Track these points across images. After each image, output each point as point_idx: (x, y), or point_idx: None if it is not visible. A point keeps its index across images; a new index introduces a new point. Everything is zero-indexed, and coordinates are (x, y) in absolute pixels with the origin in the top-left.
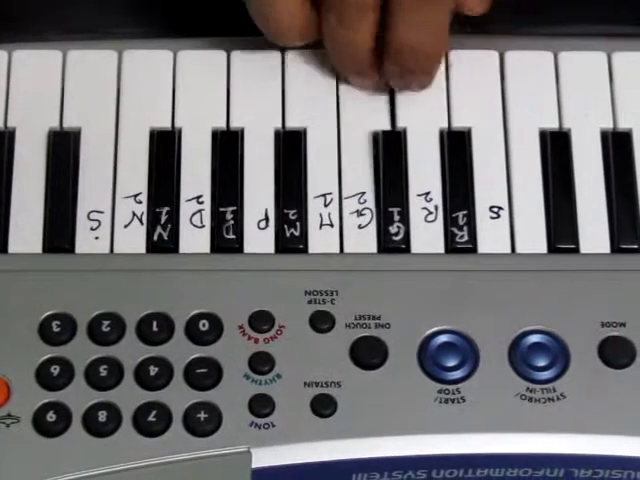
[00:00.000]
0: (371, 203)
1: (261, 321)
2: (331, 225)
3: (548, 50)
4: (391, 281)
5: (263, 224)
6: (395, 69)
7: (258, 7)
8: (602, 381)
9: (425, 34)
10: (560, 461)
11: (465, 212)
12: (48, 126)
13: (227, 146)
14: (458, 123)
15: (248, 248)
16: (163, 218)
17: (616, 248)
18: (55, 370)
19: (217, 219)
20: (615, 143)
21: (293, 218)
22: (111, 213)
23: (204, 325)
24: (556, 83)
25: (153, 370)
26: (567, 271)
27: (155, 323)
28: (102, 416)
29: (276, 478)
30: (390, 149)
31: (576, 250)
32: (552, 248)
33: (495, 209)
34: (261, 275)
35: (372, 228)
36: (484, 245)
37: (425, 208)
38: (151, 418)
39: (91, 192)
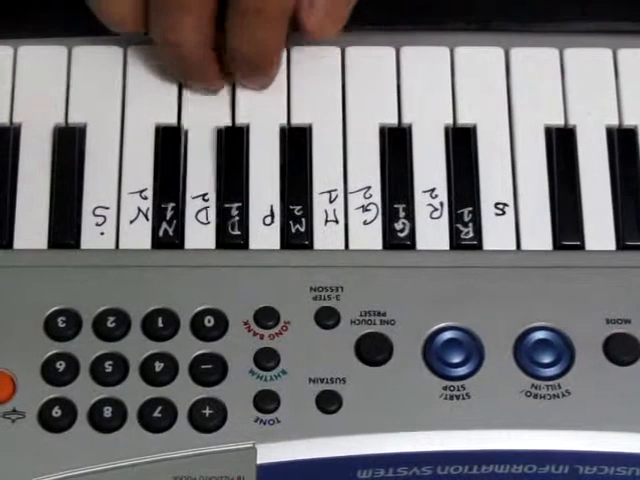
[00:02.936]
0: (377, 198)
1: (266, 317)
2: (336, 221)
3: (553, 47)
4: (396, 277)
5: (268, 220)
6: (233, 68)
7: None
8: (607, 378)
9: (256, 42)
10: (565, 458)
11: (470, 209)
12: (53, 122)
13: (232, 142)
14: (463, 119)
15: (253, 244)
16: (169, 214)
17: (621, 245)
18: (60, 366)
19: (222, 215)
20: (620, 140)
21: (298, 214)
22: (116, 209)
23: (209, 321)
24: (561, 80)
25: (158, 366)
26: (572, 268)
27: (160, 319)
28: (107, 412)
29: (281, 474)
30: (395, 145)
31: (581, 247)
32: (557, 245)
33: (500, 206)
34: (266, 271)
35: (377, 224)
36: (489, 242)
37: (430, 204)
38: (156, 414)
39: (96, 188)
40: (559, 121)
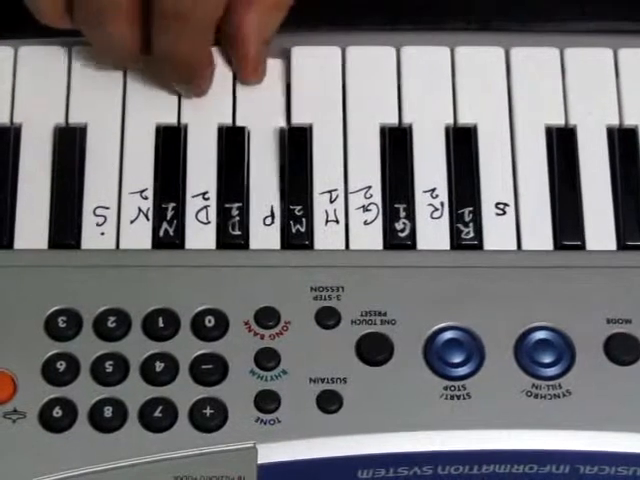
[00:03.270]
0: (377, 198)
1: (267, 317)
2: (337, 221)
3: (554, 46)
4: (397, 277)
5: (269, 220)
6: (163, 74)
7: None
8: (608, 378)
9: (177, 47)
10: (565, 458)
11: (471, 209)
12: (54, 122)
13: (233, 142)
14: (464, 119)
15: (254, 244)
16: (169, 214)
17: (622, 245)
18: (61, 366)
19: (223, 215)
20: (621, 139)
21: (299, 214)
22: (117, 209)
23: (210, 321)
24: (562, 79)
25: (159, 366)
26: (573, 268)
27: (161, 319)
28: (108, 412)
29: (282, 474)
30: (396, 145)
31: (582, 247)
32: (558, 245)
33: (501, 205)
34: (267, 271)
35: (378, 224)
36: (490, 242)
37: (431, 204)
38: (157, 414)
39: (97, 188)
40: (560, 121)
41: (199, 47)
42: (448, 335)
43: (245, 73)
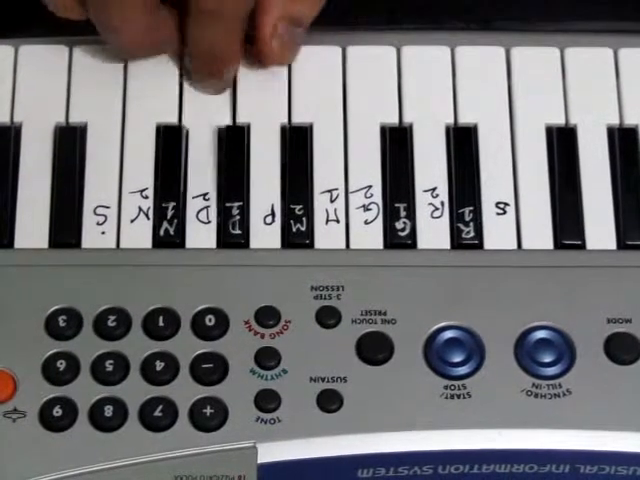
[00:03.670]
0: (377, 197)
1: (267, 316)
2: (337, 221)
3: (554, 46)
4: (397, 277)
5: (269, 219)
6: (191, 69)
7: None
8: (608, 377)
9: (209, 43)
10: (566, 457)
11: (471, 208)
12: (54, 121)
13: (233, 141)
14: (464, 119)
15: (254, 243)
16: (169, 213)
17: (622, 244)
18: (61, 365)
19: (223, 214)
20: (621, 139)
21: (299, 213)
22: (117, 208)
23: (210, 320)
24: (562, 79)
25: (159, 365)
26: (573, 267)
27: (161, 318)
28: (108, 411)
29: (282, 473)
30: (396, 145)
31: (582, 246)
32: (558, 244)
33: (501, 205)
34: (267, 270)
35: (378, 224)
36: (490, 241)
37: (431, 204)
38: (157, 413)
39: (97, 187)
40: (560, 120)
41: (230, 43)
42: (448, 334)
43: (262, 57)
